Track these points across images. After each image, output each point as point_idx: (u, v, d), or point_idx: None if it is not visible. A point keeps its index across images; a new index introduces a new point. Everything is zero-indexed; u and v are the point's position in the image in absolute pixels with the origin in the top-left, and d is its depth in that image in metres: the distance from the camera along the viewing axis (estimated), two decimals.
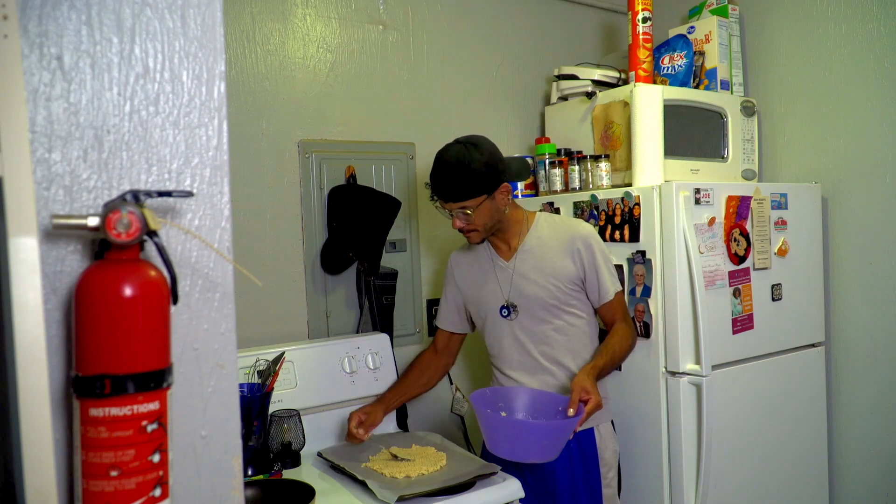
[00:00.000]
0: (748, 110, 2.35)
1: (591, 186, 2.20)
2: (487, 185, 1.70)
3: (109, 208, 0.59)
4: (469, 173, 1.67)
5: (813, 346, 2.23)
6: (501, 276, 1.84)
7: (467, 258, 1.94)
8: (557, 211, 2.22)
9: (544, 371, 1.80)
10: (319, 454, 1.76)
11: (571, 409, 1.56)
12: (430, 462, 1.65)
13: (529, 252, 1.81)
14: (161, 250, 0.61)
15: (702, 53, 2.35)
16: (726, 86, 2.34)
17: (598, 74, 2.33)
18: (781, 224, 2.12)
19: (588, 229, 1.82)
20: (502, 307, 1.83)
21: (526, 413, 1.70)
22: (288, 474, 1.68)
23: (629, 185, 2.12)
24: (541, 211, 1.95)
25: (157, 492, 0.60)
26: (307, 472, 1.72)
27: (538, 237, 1.82)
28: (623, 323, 1.80)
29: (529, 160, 2.09)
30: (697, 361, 1.86)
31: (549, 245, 1.80)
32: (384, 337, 2.09)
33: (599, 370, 1.69)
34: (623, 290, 1.87)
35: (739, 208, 2.00)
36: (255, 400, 1.68)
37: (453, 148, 1.71)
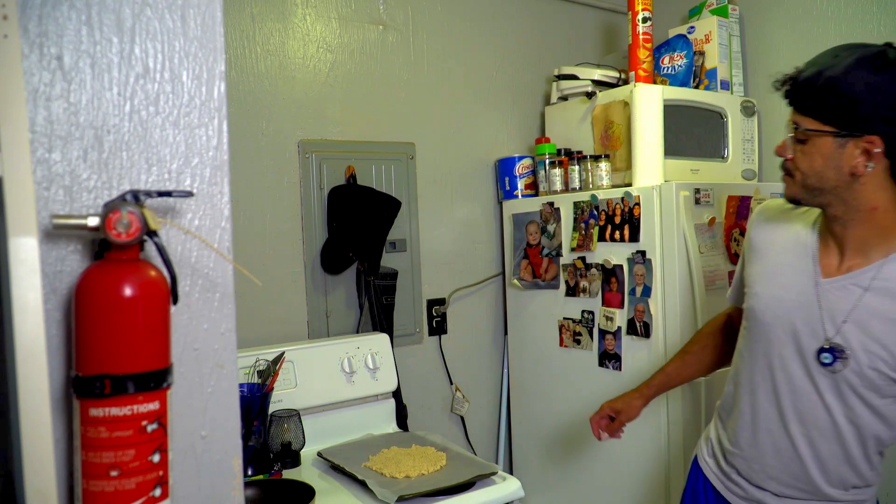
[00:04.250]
0: (748, 110, 2.35)
1: (591, 186, 2.20)
2: (848, 118, 1.09)
3: (109, 208, 0.59)
4: (837, 84, 1.09)
5: None
6: (823, 295, 1.18)
7: (782, 226, 1.30)
8: (557, 211, 2.22)
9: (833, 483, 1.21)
10: (319, 454, 1.76)
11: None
12: (429, 462, 1.65)
13: (888, 286, 1.12)
14: (161, 250, 0.61)
15: (702, 53, 2.35)
16: (726, 86, 2.34)
17: (598, 74, 2.33)
18: None
19: None
20: (823, 348, 1.16)
21: None
22: (288, 474, 1.68)
23: (629, 185, 2.12)
24: None
25: (157, 492, 0.60)
26: (307, 472, 1.72)
27: (891, 276, 1.11)
28: None
29: None
30: None
31: None
32: (384, 337, 2.09)
33: (655, 391, 1.47)
34: None
35: (739, 208, 2.00)
36: (255, 400, 1.68)
37: (863, 50, 1.11)
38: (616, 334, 2.02)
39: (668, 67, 2.35)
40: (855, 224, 1.14)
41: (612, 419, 1.54)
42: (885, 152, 1.08)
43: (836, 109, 1.10)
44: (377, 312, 2.18)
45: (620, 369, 1.99)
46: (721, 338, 1.50)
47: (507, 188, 2.48)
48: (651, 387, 1.54)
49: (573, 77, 2.39)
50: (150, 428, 0.59)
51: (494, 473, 1.60)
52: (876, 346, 1.11)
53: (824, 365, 1.16)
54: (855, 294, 1.14)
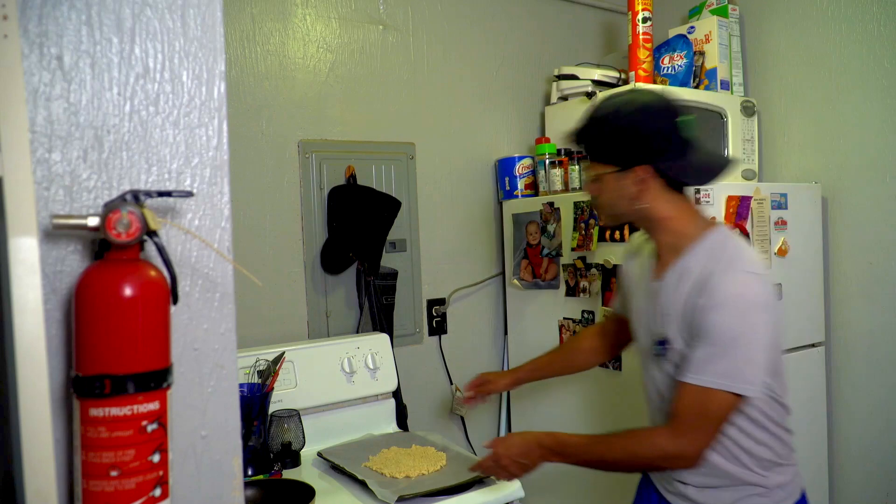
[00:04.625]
0: (748, 110, 2.35)
1: None
2: (619, 155, 1.31)
3: (109, 208, 0.59)
4: (602, 127, 1.32)
5: (813, 346, 2.23)
6: (650, 296, 1.38)
7: (638, 255, 1.50)
8: (557, 211, 2.22)
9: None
10: (319, 454, 1.76)
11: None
12: (430, 462, 1.65)
13: (672, 281, 1.32)
14: (161, 250, 0.61)
15: (702, 53, 2.35)
16: (726, 86, 2.34)
17: (598, 74, 2.33)
18: (781, 224, 2.12)
19: (740, 281, 1.22)
20: (659, 341, 1.34)
21: None
22: (288, 474, 1.68)
23: None
24: (720, 228, 1.35)
25: (157, 492, 0.60)
26: (307, 472, 1.72)
27: (685, 267, 1.30)
28: (662, 430, 1.26)
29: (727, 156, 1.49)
30: None
31: (686, 280, 1.29)
32: (384, 337, 2.09)
33: (554, 444, 1.34)
34: (732, 394, 1.20)
35: (739, 208, 2.00)
36: (255, 400, 1.68)
37: (619, 96, 1.36)
38: None
39: (668, 67, 2.35)
40: (658, 233, 1.35)
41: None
42: (655, 175, 1.30)
43: (609, 152, 1.33)
44: (377, 312, 2.18)
45: (620, 369, 1.99)
46: (597, 340, 1.71)
47: (507, 188, 2.48)
48: (522, 370, 1.75)
49: (573, 77, 2.39)
50: (150, 428, 0.59)
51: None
52: (676, 327, 1.30)
53: (657, 356, 1.35)
54: (667, 290, 1.33)
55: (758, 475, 1.32)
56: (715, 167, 1.34)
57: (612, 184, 1.33)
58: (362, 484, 1.55)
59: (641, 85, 2.16)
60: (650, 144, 1.28)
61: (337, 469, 1.67)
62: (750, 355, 1.20)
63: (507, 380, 1.74)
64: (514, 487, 1.58)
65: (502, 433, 2.56)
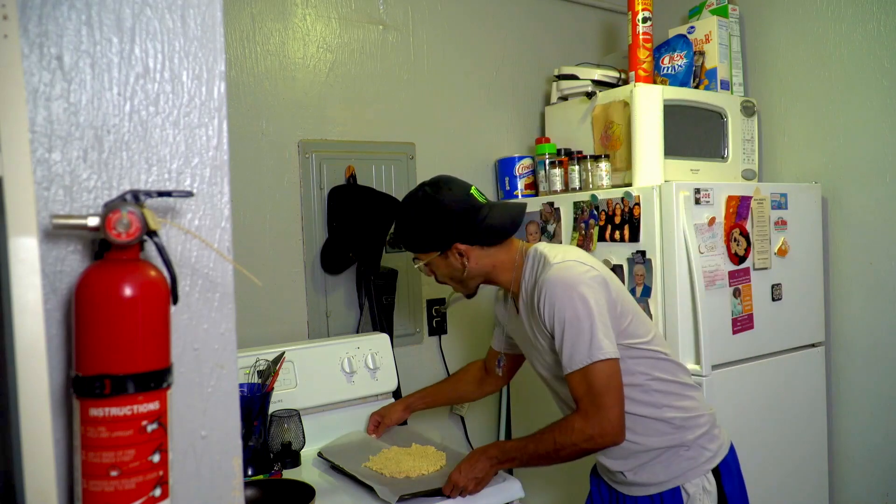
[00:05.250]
0: (748, 110, 2.35)
1: (591, 186, 2.20)
2: (434, 243, 1.50)
3: (109, 208, 0.59)
4: (411, 227, 1.52)
5: (813, 346, 2.23)
6: (521, 330, 1.59)
7: (500, 300, 1.74)
8: (557, 211, 2.22)
9: None
10: (320, 454, 1.75)
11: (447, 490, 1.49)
12: (430, 462, 1.65)
13: (523, 308, 1.53)
14: (161, 250, 0.61)
15: (702, 53, 2.35)
16: (726, 86, 2.34)
17: (598, 74, 2.33)
18: (781, 224, 2.12)
19: (553, 274, 1.41)
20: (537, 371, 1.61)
21: None
22: (288, 474, 1.68)
23: (629, 185, 2.12)
24: (533, 247, 1.55)
25: (157, 492, 0.60)
26: (307, 472, 1.72)
27: (525, 288, 1.52)
28: (575, 416, 1.39)
29: (523, 205, 1.61)
30: (697, 361, 1.86)
31: (532, 296, 1.47)
32: (384, 337, 2.09)
33: (499, 453, 1.49)
34: (603, 361, 1.35)
35: (739, 208, 2.00)
36: (255, 400, 1.68)
37: (414, 194, 1.54)
38: None
39: (668, 67, 2.35)
40: (497, 280, 1.55)
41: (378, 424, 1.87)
42: (470, 244, 1.49)
43: (425, 243, 1.51)
44: (377, 312, 2.18)
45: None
46: (481, 373, 1.89)
47: (507, 188, 2.48)
48: (413, 398, 1.89)
49: (573, 77, 2.39)
50: (150, 428, 0.59)
51: (495, 474, 1.60)
52: (537, 354, 1.55)
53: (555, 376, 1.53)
54: (525, 319, 1.53)
55: (674, 436, 1.45)
56: (515, 216, 1.53)
57: (440, 265, 1.54)
58: (363, 484, 1.55)
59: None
60: (452, 225, 1.47)
61: (337, 469, 1.67)
62: (592, 325, 1.36)
63: (399, 412, 1.87)
64: (514, 488, 1.58)
65: (502, 433, 2.56)
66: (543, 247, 1.53)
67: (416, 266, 1.59)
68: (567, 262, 1.43)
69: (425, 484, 1.53)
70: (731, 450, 1.54)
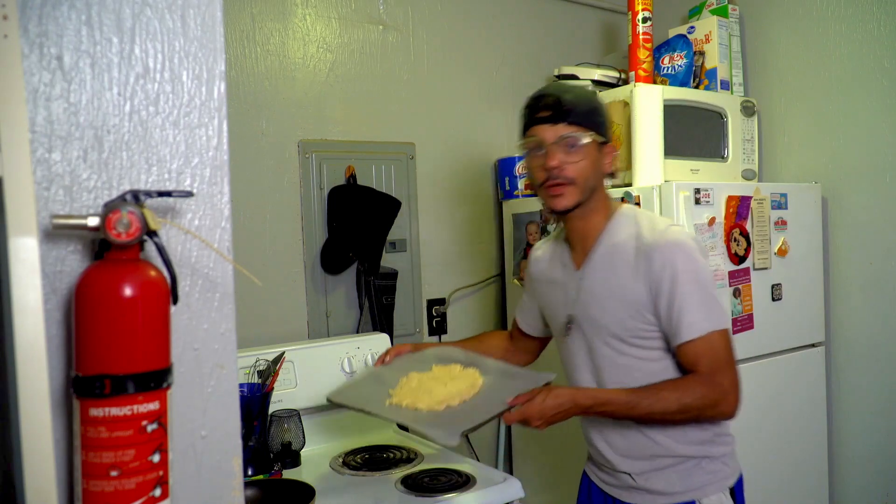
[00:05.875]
0: (748, 110, 2.35)
1: None
2: (603, 126, 1.37)
3: (109, 208, 0.59)
4: (593, 99, 1.39)
5: (813, 346, 2.23)
6: (570, 284, 1.44)
7: (546, 255, 1.57)
8: None
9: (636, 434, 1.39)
10: (329, 399, 1.48)
11: (511, 410, 1.28)
12: (465, 384, 1.37)
13: (599, 262, 1.38)
14: (161, 250, 0.61)
15: (702, 53, 2.35)
16: (726, 86, 2.34)
17: (598, 74, 2.33)
18: (781, 224, 2.12)
19: (673, 237, 1.33)
20: (567, 322, 1.44)
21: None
22: (288, 474, 1.68)
23: (629, 185, 2.12)
24: (625, 203, 1.47)
25: (157, 492, 0.60)
26: (307, 472, 1.72)
27: (612, 243, 1.38)
28: (694, 379, 1.29)
29: None
30: None
31: (622, 255, 1.36)
32: (384, 337, 2.09)
33: (594, 404, 1.29)
34: (724, 330, 1.31)
35: (739, 208, 2.00)
36: (255, 400, 1.68)
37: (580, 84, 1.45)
38: None
39: (668, 67, 2.35)
40: (583, 218, 1.40)
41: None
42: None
43: (600, 122, 1.36)
44: (377, 312, 2.18)
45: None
46: (506, 342, 1.74)
47: (507, 188, 2.48)
48: (427, 345, 1.69)
49: (573, 77, 2.39)
50: (150, 428, 0.59)
51: (549, 382, 1.33)
52: (598, 309, 1.38)
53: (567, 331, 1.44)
54: (592, 273, 1.40)
55: (703, 448, 1.38)
56: None
57: (594, 154, 1.35)
58: (399, 426, 1.36)
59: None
60: (611, 128, 1.40)
61: (355, 410, 1.39)
62: (715, 293, 1.32)
63: (408, 348, 1.63)
64: (514, 487, 1.58)
65: (502, 433, 2.55)
66: (636, 209, 1.44)
67: (563, 143, 1.33)
68: (682, 229, 1.39)
69: (478, 412, 1.26)
70: (741, 476, 1.45)
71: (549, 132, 1.33)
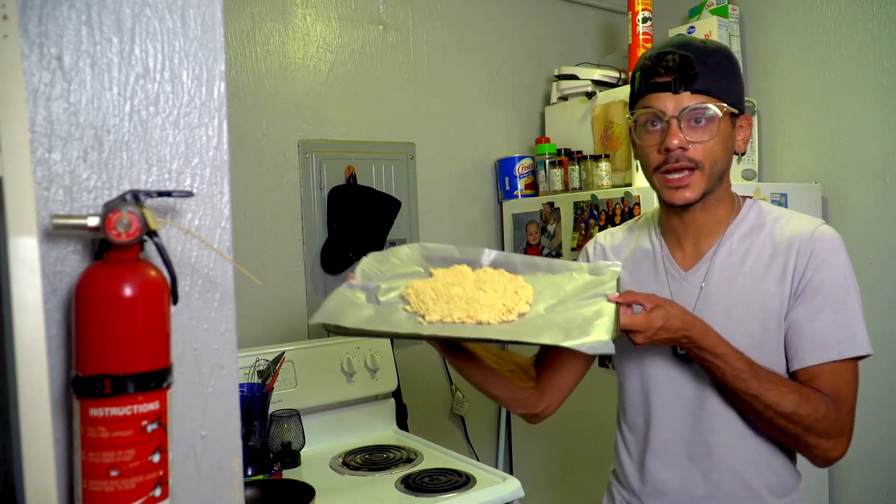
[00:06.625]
0: (748, 110, 2.35)
1: (591, 186, 2.20)
2: (738, 93, 1.12)
3: (109, 208, 0.59)
4: (727, 57, 1.10)
5: None
6: (677, 291, 1.14)
7: (626, 248, 1.24)
8: (557, 211, 2.22)
9: (725, 474, 1.10)
10: (325, 327, 0.93)
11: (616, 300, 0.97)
12: (501, 287, 1.00)
13: (729, 262, 1.11)
14: (161, 250, 0.61)
15: None
16: None
17: (598, 74, 2.33)
18: None
19: (829, 232, 1.09)
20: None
21: None
22: (288, 474, 1.68)
23: (629, 184, 2.12)
24: (752, 199, 1.19)
25: (157, 492, 0.60)
26: (307, 472, 1.72)
27: (743, 239, 1.12)
28: (826, 400, 1.04)
29: None
30: None
31: (760, 253, 1.10)
32: None
33: (707, 346, 1.01)
34: (856, 362, 1.10)
35: None
36: (255, 400, 1.68)
37: (717, 42, 1.15)
38: None
39: None
40: (706, 210, 1.12)
41: None
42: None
43: (736, 90, 1.11)
44: None
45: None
46: (531, 369, 1.35)
47: (507, 188, 2.48)
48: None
49: (573, 77, 2.39)
50: (150, 428, 0.59)
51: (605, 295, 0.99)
52: (724, 320, 1.09)
53: (681, 356, 1.12)
54: (695, 283, 1.13)
55: (787, 500, 1.13)
56: None
57: (726, 130, 1.09)
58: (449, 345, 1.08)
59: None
60: (744, 96, 1.12)
61: (366, 335, 0.95)
62: (860, 310, 1.08)
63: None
64: (514, 487, 1.58)
65: (502, 433, 2.55)
66: (769, 204, 1.19)
67: (691, 116, 1.06)
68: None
69: (551, 327, 0.92)
70: None
71: (671, 102, 1.05)
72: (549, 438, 2.32)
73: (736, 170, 2.31)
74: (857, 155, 2.21)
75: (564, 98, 2.46)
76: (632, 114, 1.12)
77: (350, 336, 1.04)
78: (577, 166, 2.23)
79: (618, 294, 0.98)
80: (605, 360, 2.04)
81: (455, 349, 1.16)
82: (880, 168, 2.15)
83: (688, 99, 1.05)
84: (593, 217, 2.08)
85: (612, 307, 0.95)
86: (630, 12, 2.22)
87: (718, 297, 1.10)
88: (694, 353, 1.03)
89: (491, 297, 0.97)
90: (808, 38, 2.31)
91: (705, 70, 1.05)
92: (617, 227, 1.31)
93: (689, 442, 1.12)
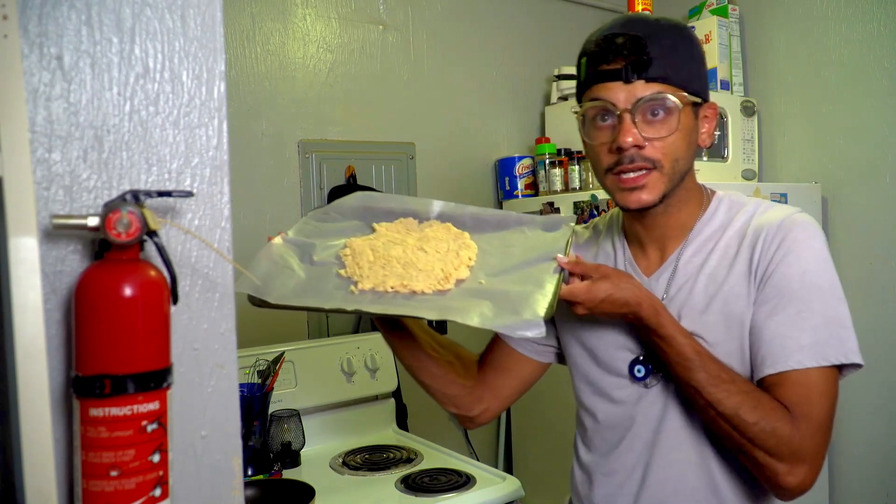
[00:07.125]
0: (748, 110, 2.35)
1: (591, 186, 2.20)
2: (701, 78, 0.97)
3: (109, 208, 0.59)
4: (684, 36, 0.95)
5: None
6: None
7: (590, 250, 1.13)
8: (557, 211, 2.22)
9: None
10: (251, 300, 0.98)
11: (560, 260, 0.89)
12: (445, 245, 0.92)
13: (691, 263, 0.99)
14: (161, 250, 0.61)
15: None
16: (726, 86, 2.34)
17: None
18: None
19: (802, 219, 0.95)
20: (634, 362, 1.01)
21: None
22: (288, 474, 1.68)
23: None
24: (722, 193, 1.07)
25: (157, 492, 0.60)
26: (307, 472, 1.72)
27: (711, 237, 1.00)
28: (783, 412, 0.90)
29: None
30: None
31: (725, 251, 0.97)
32: None
33: (655, 326, 0.91)
34: (835, 370, 0.92)
35: None
36: (255, 400, 1.68)
37: (679, 23, 0.99)
38: None
39: None
40: (669, 213, 1.00)
41: None
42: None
43: (698, 77, 0.95)
44: None
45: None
46: (473, 367, 1.26)
47: (507, 188, 2.48)
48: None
49: (573, 77, 2.39)
50: (150, 428, 0.59)
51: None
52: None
53: (638, 379, 1.01)
54: (658, 290, 1.01)
55: None
56: None
57: (688, 122, 0.95)
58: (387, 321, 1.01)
59: None
60: (708, 80, 0.99)
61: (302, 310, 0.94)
62: (847, 312, 0.92)
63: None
64: (514, 487, 1.58)
65: (502, 433, 2.55)
66: (743, 196, 1.05)
67: (656, 107, 0.93)
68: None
69: (520, 281, 0.85)
70: None
71: (622, 93, 0.92)
72: (549, 438, 2.32)
73: (736, 170, 2.31)
74: (857, 155, 2.21)
75: (564, 98, 2.46)
76: (579, 107, 0.99)
77: (276, 309, 0.95)
78: (577, 166, 2.23)
79: (566, 258, 0.89)
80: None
81: (391, 324, 1.05)
82: (880, 168, 2.15)
83: (642, 88, 0.91)
84: (593, 217, 2.08)
85: (556, 278, 0.85)
86: (630, 12, 2.22)
87: (680, 303, 0.98)
88: (642, 332, 0.95)
89: (430, 260, 0.88)
90: (808, 38, 2.31)
91: (660, 53, 0.91)
92: (581, 226, 1.18)
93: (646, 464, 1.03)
